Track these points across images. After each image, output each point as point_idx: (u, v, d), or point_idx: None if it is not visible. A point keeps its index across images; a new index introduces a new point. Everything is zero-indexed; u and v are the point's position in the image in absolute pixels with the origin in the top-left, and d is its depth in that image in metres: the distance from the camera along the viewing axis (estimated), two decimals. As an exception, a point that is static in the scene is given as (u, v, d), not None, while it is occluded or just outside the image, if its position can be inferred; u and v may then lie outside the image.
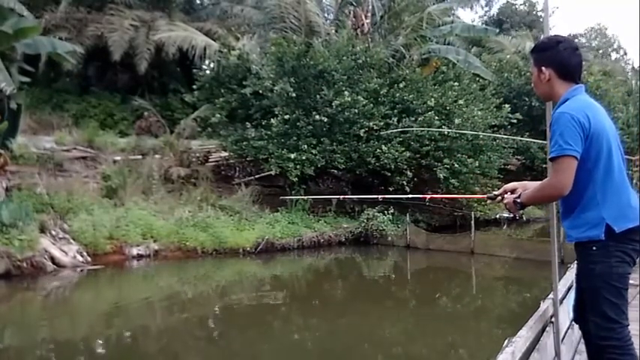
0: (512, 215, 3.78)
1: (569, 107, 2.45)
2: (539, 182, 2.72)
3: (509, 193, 2.79)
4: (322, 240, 14.77)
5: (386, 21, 20.13)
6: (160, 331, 8.11)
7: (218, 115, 15.98)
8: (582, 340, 2.80)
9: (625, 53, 46.93)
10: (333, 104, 15.10)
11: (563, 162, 2.37)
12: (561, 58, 2.53)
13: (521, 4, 37.57)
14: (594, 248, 2.47)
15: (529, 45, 27.69)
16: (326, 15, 20.81)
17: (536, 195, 2.63)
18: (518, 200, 2.68)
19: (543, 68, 2.55)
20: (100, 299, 10.22)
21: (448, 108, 16.31)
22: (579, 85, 2.58)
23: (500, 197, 2.83)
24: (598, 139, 2.44)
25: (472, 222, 14.42)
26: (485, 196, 3.14)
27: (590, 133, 2.41)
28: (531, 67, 2.68)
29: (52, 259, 11.23)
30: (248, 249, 13.40)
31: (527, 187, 2.77)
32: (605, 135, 2.48)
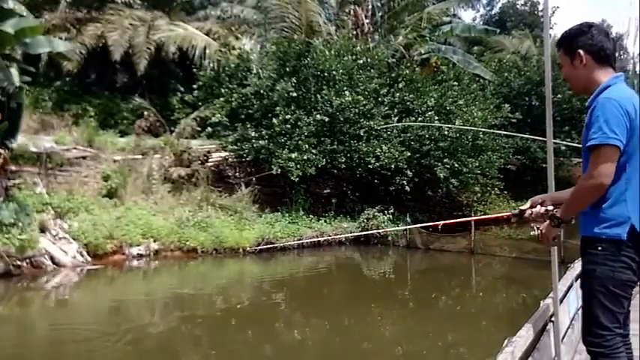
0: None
1: (616, 94, 2.28)
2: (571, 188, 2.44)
3: (538, 206, 2.50)
4: (322, 240, 14.76)
5: (386, 20, 20.14)
6: (159, 331, 8.10)
7: (218, 115, 15.99)
8: (582, 340, 2.78)
9: (626, 52, 46.73)
10: (333, 104, 15.10)
11: (606, 151, 2.18)
12: (597, 41, 2.37)
13: (522, 5, 37.56)
14: (600, 248, 2.31)
15: (528, 45, 27.65)
16: (327, 14, 20.80)
17: (575, 197, 2.32)
18: (557, 214, 2.39)
19: (581, 52, 2.37)
20: (100, 299, 10.21)
21: (448, 108, 16.32)
22: (621, 73, 2.43)
23: (530, 212, 2.52)
24: (639, 132, 2.27)
25: (472, 222, 14.41)
26: (509, 213, 2.77)
27: (634, 125, 2.25)
28: (560, 59, 2.50)
29: (52, 259, 11.25)
30: (248, 248, 13.40)
31: (557, 197, 2.49)
32: None
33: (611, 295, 2.30)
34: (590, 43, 2.37)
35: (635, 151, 2.28)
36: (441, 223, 4.16)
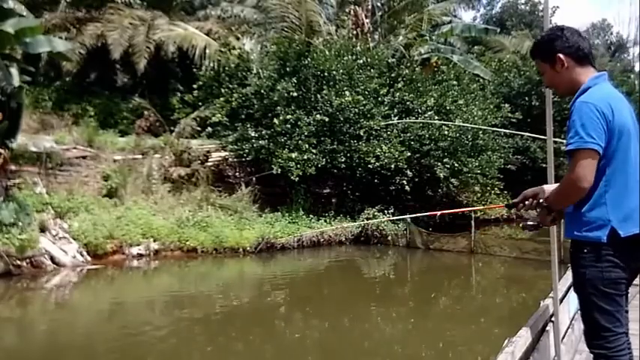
0: (537, 226, 2.65)
1: (593, 96, 2.27)
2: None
3: (530, 199, 2.55)
4: (322, 239, 14.76)
5: (386, 20, 20.13)
6: (160, 330, 8.09)
7: (218, 115, 15.99)
8: (582, 340, 2.77)
9: (625, 51, 46.68)
10: (333, 104, 15.10)
11: (584, 156, 2.20)
12: (572, 42, 2.38)
13: (522, 4, 37.55)
14: (585, 250, 2.30)
15: (528, 44, 27.63)
16: (326, 14, 20.80)
17: (559, 193, 2.38)
18: (545, 204, 2.46)
19: (560, 55, 2.38)
20: (100, 299, 10.21)
21: (448, 108, 16.33)
22: (602, 72, 2.41)
23: (521, 205, 2.58)
24: (618, 133, 2.26)
25: (472, 222, 14.43)
26: (502, 205, 2.93)
27: (611, 127, 2.23)
28: (540, 67, 2.51)
29: (52, 259, 11.25)
30: (248, 248, 13.40)
31: (548, 191, 2.53)
32: (626, 130, 2.29)
33: (604, 295, 2.30)
34: (567, 46, 2.39)
35: (614, 153, 2.27)
36: (439, 213, 4.18)
